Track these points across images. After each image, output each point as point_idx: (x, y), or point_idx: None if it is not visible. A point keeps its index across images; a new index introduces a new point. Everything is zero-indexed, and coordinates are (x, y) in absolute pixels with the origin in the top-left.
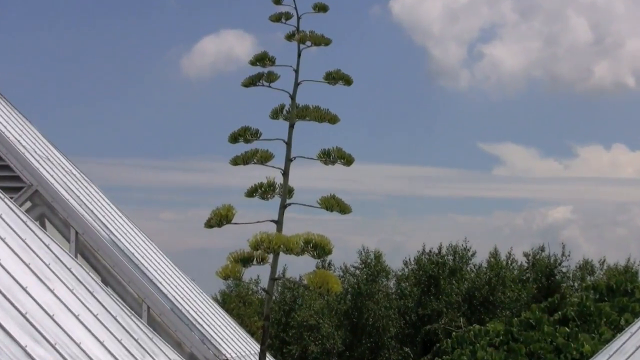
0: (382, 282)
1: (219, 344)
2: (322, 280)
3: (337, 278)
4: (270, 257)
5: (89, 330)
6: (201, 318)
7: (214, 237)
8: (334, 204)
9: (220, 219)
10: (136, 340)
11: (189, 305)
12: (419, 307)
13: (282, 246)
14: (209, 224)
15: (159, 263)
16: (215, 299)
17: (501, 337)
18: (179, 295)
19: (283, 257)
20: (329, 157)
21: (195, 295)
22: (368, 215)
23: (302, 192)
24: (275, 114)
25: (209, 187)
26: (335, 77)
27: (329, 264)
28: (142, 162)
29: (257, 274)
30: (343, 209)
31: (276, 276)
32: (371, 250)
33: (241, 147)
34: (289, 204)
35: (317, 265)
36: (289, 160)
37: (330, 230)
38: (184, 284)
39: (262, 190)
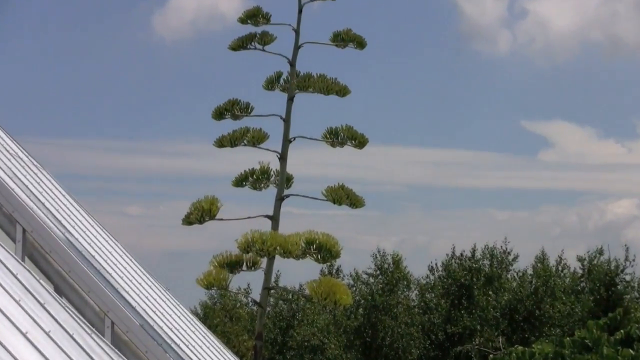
0: (402, 292)
1: None
2: (328, 289)
3: (346, 287)
4: (264, 261)
5: (40, 352)
6: (178, 336)
7: (194, 236)
8: (342, 196)
9: (202, 213)
10: None
11: (162, 321)
12: (447, 324)
13: (278, 248)
14: (187, 220)
15: (125, 268)
16: (195, 313)
17: None
18: (150, 308)
19: (280, 262)
20: (337, 137)
21: (171, 308)
22: (385, 210)
23: (304, 181)
24: (271, 84)
25: (188, 175)
26: (344, 39)
27: (337, 270)
28: (105, 143)
29: (247, 282)
30: (354, 201)
31: (271, 285)
32: (389, 254)
33: (228, 125)
34: (287, 196)
35: (321, 271)
36: (287, 141)
37: (338, 229)
38: (157, 294)
39: (253, 179)
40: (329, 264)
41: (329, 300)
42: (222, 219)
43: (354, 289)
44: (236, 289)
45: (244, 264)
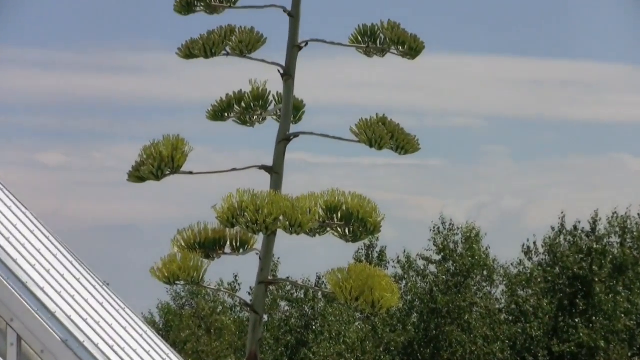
0: (480, 288)
1: None
2: (362, 284)
3: (391, 281)
4: (260, 240)
5: None
6: (122, 357)
7: (147, 200)
8: (383, 136)
9: (160, 164)
10: None
11: (98, 333)
12: (553, 338)
13: (282, 218)
14: (136, 175)
15: (39, 251)
16: (151, 322)
17: None
18: (78, 315)
19: (284, 241)
20: (375, 40)
21: (111, 315)
22: (453, 158)
23: (322, 112)
24: None
25: (137, 102)
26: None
27: (378, 253)
28: (13, 54)
29: (234, 274)
30: (403, 144)
31: (270, 278)
32: (458, 227)
33: (200, 23)
34: (296, 135)
35: (354, 256)
36: (294, 48)
37: (377, 187)
38: (89, 292)
39: (241, 108)
40: (363, 243)
41: (364, 301)
42: (191, 173)
43: (404, 283)
44: (216, 284)
45: (228, 244)
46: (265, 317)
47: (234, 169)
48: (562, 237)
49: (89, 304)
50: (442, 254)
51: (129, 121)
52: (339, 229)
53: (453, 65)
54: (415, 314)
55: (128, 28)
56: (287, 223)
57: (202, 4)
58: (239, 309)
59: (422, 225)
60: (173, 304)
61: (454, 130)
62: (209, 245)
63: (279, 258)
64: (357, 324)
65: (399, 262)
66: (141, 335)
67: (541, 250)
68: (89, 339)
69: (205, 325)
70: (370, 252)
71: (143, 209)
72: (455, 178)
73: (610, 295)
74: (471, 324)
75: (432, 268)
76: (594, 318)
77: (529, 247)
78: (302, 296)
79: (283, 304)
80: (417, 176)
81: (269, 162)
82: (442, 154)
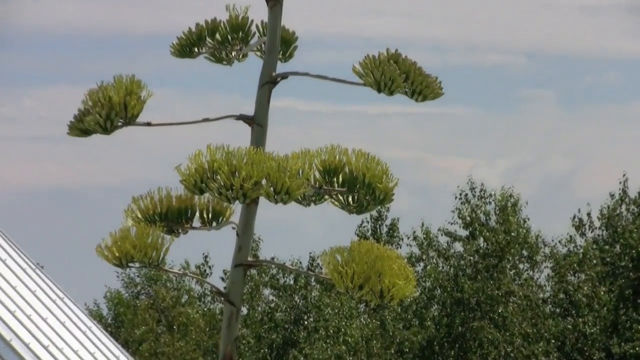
0: (518, 271)
1: None
2: (368, 269)
3: (404, 264)
4: (237, 209)
5: None
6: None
7: (91, 161)
8: (395, 77)
9: (110, 112)
10: None
11: (29, 330)
12: (611, 335)
13: (265, 182)
14: (78, 126)
15: None
16: (97, 315)
17: None
18: (3, 306)
19: (268, 212)
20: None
21: (46, 306)
22: (485, 106)
23: (317, 47)
24: None
25: (74, 32)
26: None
27: (388, 227)
28: None
29: (204, 253)
30: (421, 87)
31: (250, 260)
32: (490, 192)
33: None
34: (285, 76)
35: (357, 231)
36: None
37: (388, 143)
38: (18, 277)
39: (216, 40)
40: (370, 214)
41: (370, 289)
42: (149, 124)
43: (422, 265)
44: (180, 267)
45: (196, 215)
46: (244, 309)
47: (205, 120)
48: (623, 206)
49: (17, 292)
50: (470, 228)
51: (68, 58)
52: (340, 197)
53: None
54: (436, 306)
55: None
56: (272, 189)
57: None
58: (209, 298)
59: (444, 191)
60: (125, 293)
61: (486, 70)
62: (172, 218)
63: (260, 236)
64: (361, 318)
65: (415, 239)
66: (84, 333)
67: (597, 223)
68: (18, 337)
69: (166, 320)
70: (378, 227)
71: (87, 171)
72: (488, 131)
73: None
74: (507, 318)
75: (458, 247)
76: None
77: (581, 220)
78: (292, 282)
79: (267, 292)
80: (439, 129)
81: (250, 111)
82: (471, 100)
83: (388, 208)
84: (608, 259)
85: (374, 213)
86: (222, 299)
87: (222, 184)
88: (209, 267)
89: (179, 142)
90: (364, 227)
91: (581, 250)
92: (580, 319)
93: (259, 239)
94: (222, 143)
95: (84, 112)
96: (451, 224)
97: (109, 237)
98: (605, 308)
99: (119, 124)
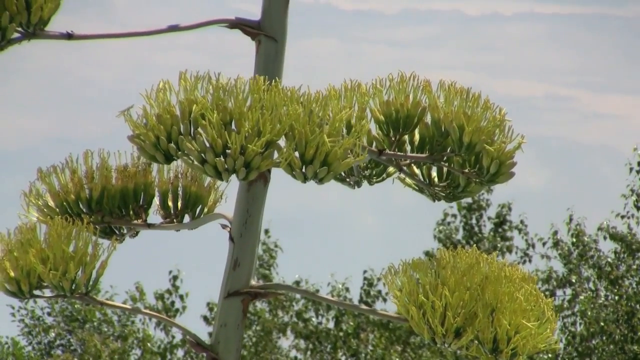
0: None
1: None
2: (472, 300)
3: (537, 291)
4: (229, 190)
5: None
6: None
7: None
8: None
9: None
10: None
11: None
12: None
13: (286, 141)
14: None
15: None
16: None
17: None
18: None
19: (285, 194)
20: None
21: None
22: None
23: None
24: None
25: None
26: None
27: (496, 225)
28: None
29: (171, 270)
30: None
31: (256, 281)
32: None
33: None
34: None
35: (438, 231)
36: None
37: (496, 74)
38: None
39: None
40: (459, 202)
41: (475, 336)
42: (71, 37)
43: (567, 294)
44: (127, 298)
45: (154, 201)
46: (248, 337)
47: (173, 29)
48: None
49: None
50: None
51: None
52: (417, 170)
53: None
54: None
55: None
56: (297, 155)
57: None
58: (181, 355)
59: (608, 157)
60: (27, 344)
61: None
62: (111, 207)
63: (277, 241)
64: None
65: (555, 245)
66: None
67: None
68: None
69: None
70: (477, 223)
71: None
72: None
73: None
74: (627, 321)
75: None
76: None
77: None
78: (332, 326)
79: (286, 343)
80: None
81: (253, 12)
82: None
83: (491, 190)
84: None
85: (469, 199)
86: (205, 355)
87: (207, 144)
88: (181, 298)
89: (133, 68)
90: (449, 223)
91: None
92: None
93: (274, 246)
94: (207, 70)
95: None
96: (623, 217)
97: None
98: None
99: (17, 35)
